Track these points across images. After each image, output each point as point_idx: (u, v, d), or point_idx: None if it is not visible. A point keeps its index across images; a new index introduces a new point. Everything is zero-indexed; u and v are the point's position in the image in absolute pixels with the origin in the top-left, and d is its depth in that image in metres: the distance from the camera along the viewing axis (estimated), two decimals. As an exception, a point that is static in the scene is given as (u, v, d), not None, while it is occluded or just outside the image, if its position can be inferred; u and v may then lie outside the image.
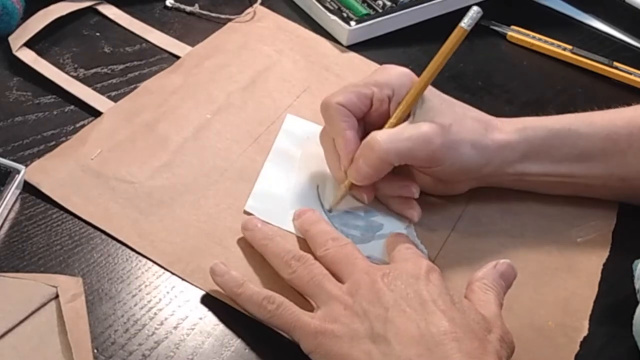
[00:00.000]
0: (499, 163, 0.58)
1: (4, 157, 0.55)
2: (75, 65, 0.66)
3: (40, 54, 0.66)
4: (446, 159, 0.56)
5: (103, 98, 0.64)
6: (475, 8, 0.55)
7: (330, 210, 0.58)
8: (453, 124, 0.56)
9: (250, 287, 0.50)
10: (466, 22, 0.56)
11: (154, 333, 0.49)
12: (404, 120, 0.56)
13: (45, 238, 0.53)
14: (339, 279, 0.51)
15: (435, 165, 0.56)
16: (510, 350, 0.47)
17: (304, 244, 0.55)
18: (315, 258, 0.52)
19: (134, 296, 0.51)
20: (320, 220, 0.56)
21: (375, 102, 0.57)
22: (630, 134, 0.59)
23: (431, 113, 0.56)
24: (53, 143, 0.59)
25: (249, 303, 0.49)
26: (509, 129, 0.59)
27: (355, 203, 0.59)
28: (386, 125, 0.56)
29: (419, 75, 0.57)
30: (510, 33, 0.80)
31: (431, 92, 0.57)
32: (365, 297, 0.48)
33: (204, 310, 0.51)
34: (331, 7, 0.76)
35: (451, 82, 0.71)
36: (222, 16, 0.75)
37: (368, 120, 0.58)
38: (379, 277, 0.49)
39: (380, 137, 0.54)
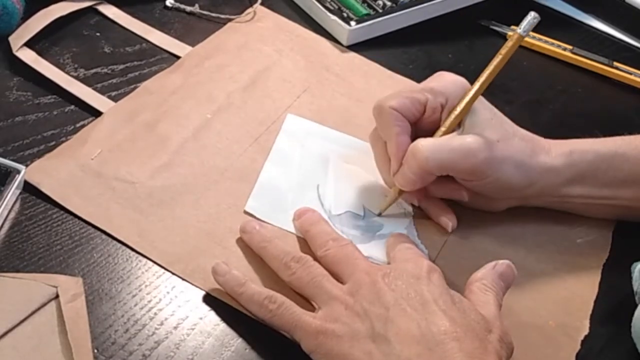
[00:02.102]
0: (543, 185, 0.58)
1: (4, 157, 0.55)
2: (76, 65, 0.66)
3: (40, 54, 0.66)
4: (488, 175, 0.55)
5: (103, 98, 0.64)
6: (532, 13, 0.55)
7: (379, 215, 0.58)
8: (500, 140, 0.55)
9: (252, 287, 0.50)
10: (523, 28, 0.55)
11: (154, 333, 0.49)
12: (453, 130, 0.56)
13: (45, 238, 0.53)
14: (340, 280, 0.51)
15: (477, 179, 0.56)
16: (510, 350, 0.47)
17: (305, 244, 0.55)
18: (316, 259, 0.52)
19: (134, 296, 0.51)
20: (320, 221, 0.56)
21: (429, 109, 0.57)
22: None
23: (480, 126, 0.55)
24: (53, 143, 0.59)
25: (250, 302, 0.49)
26: (556, 153, 0.58)
27: (356, 204, 0.59)
28: (435, 134, 0.56)
29: (469, 81, 0.57)
30: (510, 33, 0.80)
31: (483, 105, 0.57)
32: (366, 297, 0.48)
33: (204, 310, 0.51)
34: (331, 7, 0.76)
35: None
36: (222, 16, 0.75)
37: (420, 126, 0.57)
38: (379, 277, 0.49)
39: (424, 145, 0.54)
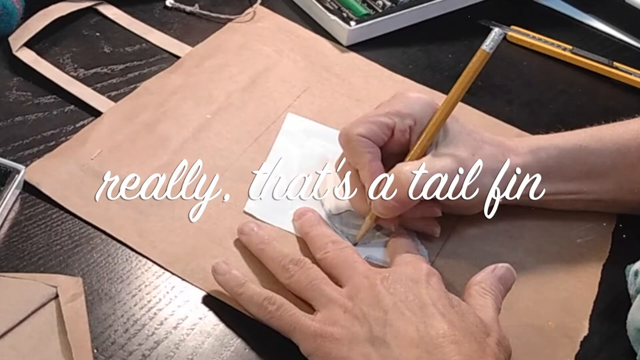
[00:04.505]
0: (514, 186, 0.57)
1: (4, 157, 0.55)
2: (75, 65, 0.66)
3: (40, 54, 0.66)
4: (471, 190, 0.55)
5: (103, 98, 0.64)
6: (497, 30, 0.54)
7: (355, 244, 0.56)
8: (475, 154, 0.55)
9: (252, 287, 0.50)
10: (488, 45, 0.54)
11: (153, 333, 0.49)
12: (428, 151, 0.56)
13: (45, 238, 0.53)
14: (338, 283, 0.51)
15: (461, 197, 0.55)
16: (508, 354, 0.47)
17: (305, 244, 0.55)
18: (315, 261, 0.52)
19: (133, 296, 0.51)
20: (320, 223, 0.56)
21: (397, 132, 0.56)
22: (639, 146, 0.59)
23: (453, 144, 0.55)
24: (53, 143, 0.59)
25: (249, 303, 0.49)
26: (522, 151, 0.58)
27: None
28: (409, 157, 0.55)
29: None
30: (510, 33, 0.80)
31: (451, 119, 0.56)
32: (364, 300, 0.48)
33: (203, 310, 0.51)
34: (331, 7, 0.76)
35: (451, 82, 0.71)
36: (222, 16, 0.75)
37: (387, 149, 0.56)
38: (378, 280, 0.49)
39: (408, 170, 0.53)
